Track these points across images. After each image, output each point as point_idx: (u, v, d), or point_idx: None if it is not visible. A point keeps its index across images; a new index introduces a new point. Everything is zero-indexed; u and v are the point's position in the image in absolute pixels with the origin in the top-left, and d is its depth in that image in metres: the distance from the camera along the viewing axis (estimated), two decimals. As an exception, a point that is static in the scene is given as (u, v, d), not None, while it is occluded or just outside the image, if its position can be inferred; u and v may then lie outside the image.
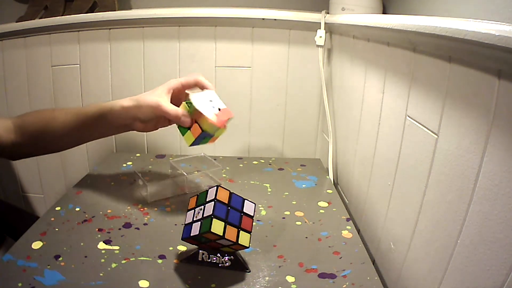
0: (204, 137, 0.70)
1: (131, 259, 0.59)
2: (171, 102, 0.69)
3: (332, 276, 0.57)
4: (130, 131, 0.74)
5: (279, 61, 1.06)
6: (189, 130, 0.69)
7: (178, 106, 0.69)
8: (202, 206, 0.56)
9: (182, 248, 0.63)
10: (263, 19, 1.01)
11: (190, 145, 0.70)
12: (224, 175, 0.91)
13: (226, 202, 0.56)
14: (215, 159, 0.91)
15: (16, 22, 1.08)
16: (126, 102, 0.70)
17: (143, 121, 0.70)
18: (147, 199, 0.78)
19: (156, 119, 0.71)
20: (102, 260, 0.59)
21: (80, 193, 0.80)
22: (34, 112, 0.75)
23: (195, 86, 0.72)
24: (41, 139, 0.73)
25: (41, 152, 0.80)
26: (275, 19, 1.00)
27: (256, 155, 1.13)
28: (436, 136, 0.51)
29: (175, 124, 0.71)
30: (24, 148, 0.73)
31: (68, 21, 1.04)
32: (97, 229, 0.67)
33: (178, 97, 0.72)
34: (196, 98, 0.68)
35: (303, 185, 0.88)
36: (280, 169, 0.97)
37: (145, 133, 1.11)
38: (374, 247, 0.71)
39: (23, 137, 0.72)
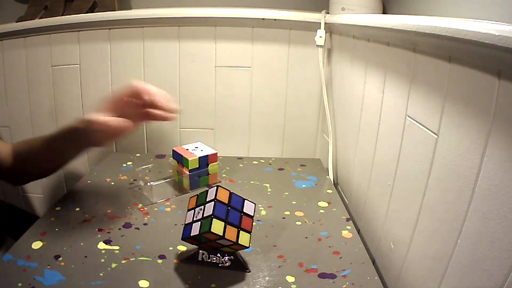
0: (199, 176, 0.82)
1: (131, 259, 0.59)
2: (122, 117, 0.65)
3: (332, 276, 0.57)
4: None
5: (279, 61, 1.06)
6: (183, 176, 0.82)
7: (131, 119, 0.65)
8: (202, 206, 0.56)
9: (182, 248, 0.63)
10: (263, 19, 1.00)
11: (191, 189, 0.81)
12: (224, 175, 0.91)
13: (226, 202, 0.56)
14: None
15: (16, 22, 1.08)
16: (73, 122, 0.68)
17: (91, 136, 0.66)
18: (150, 199, 0.78)
19: (98, 132, 0.65)
20: (102, 260, 0.59)
21: (80, 193, 0.79)
22: (27, 139, 0.77)
23: (136, 93, 0.65)
24: (27, 165, 0.75)
25: (31, 177, 0.81)
26: (275, 19, 1.00)
27: (256, 155, 1.13)
28: (436, 136, 0.51)
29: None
30: (19, 173, 0.76)
31: (68, 21, 1.03)
32: (97, 229, 0.67)
33: (125, 110, 0.66)
34: (178, 148, 0.84)
35: (303, 185, 0.88)
36: (280, 169, 0.97)
37: (145, 133, 1.12)
38: (374, 247, 0.71)
39: (16, 162, 0.74)
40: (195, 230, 0.55)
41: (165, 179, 0.86)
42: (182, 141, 1.13)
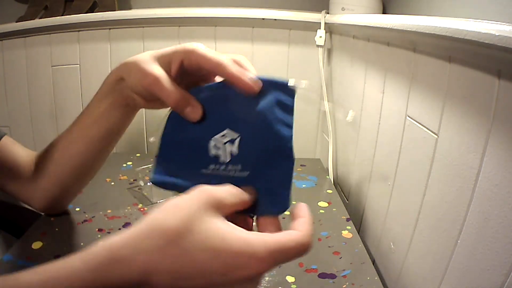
0: None
1: (131, 259, 0.59)
2: None
3: (332, 276, 0.57)
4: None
5: (279, 61, 1.06)
6: None
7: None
8: (202, 206, 0.56)
9: (182, 248, 0.62)
10: (263, 19, 1.00)
11: None
12: (224, 175, 0.91)
13: (226, 202, 0.56)
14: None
15: (16, 22, 1.08)
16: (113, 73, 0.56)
17: (134, 91, 0.49)
18: (150, 199, 0.78)
19: (146, 95, 0.47)
20: (102, 260, 0.58)
21: (80, 193, 0.79)
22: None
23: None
24: (58, 172, 0.59)
25: (65, 194, 0.64)
26: (275, 19, 1.00)
27: (256, 155, 1.13)
28: (436, 136, 0.50)
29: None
30: (49, 190, 0.61)
31: (68, 21, 1.03)
32: (97, 229, 0.67)
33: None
34: None
35: (303, 185, 0.88)
36: (280, 169, 0.97)
37: (144, 133, 1.12)
38: (374, 247, 0.71)
39: (41, 173, 0.59)
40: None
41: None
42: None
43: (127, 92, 0.51)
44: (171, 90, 0.40)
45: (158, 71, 0.41)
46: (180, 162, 0.39)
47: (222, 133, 0.38)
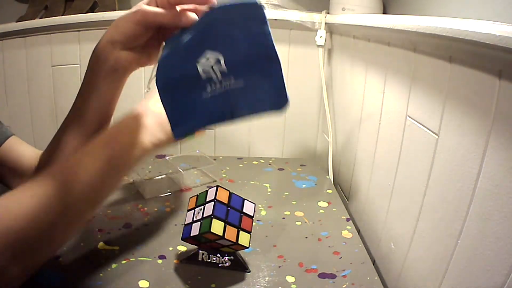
0: None
1: (131, 259, 0.59)
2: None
3: (332, 276, 0.57)
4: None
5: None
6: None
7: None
8: (202, 206, 0.56)
9: (182, 248, 0.62)
10: (263, 19, 1.00)
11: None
12: (224, 175, 0.91)
13: (226, 202, 0.56)
14: (215, 159, 0.91)
15: (16, 22, 1.08)
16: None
17: (124, 44, 0.49)
18: (144, 195, 0.78)
19: (137, 35, 0.48)
20: (102, 260, 0.59)
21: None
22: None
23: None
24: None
25: None
26: (275, 19, 1.00)
27: (256, 155, 1.13)
28: (436, 136, 0.50)
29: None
30: None
31: (68, 21, 1.03)
32: (97, 229, 0.67)
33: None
34: None
35: (303, 185, 0.88)
36: (280, 169, 0.97)
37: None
38: (374, 247, 0.71)
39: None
40: (195, 230, 0.55)
41: (160, 175, 0.86)
42: (182, 141, 1.12)
43: (115, 55, 0.50)
44: (162, 11, 0.44)
45: (142, 5, 0.45)
46: (183, 100, 0.43)
47: (205, 56, 0.41)
